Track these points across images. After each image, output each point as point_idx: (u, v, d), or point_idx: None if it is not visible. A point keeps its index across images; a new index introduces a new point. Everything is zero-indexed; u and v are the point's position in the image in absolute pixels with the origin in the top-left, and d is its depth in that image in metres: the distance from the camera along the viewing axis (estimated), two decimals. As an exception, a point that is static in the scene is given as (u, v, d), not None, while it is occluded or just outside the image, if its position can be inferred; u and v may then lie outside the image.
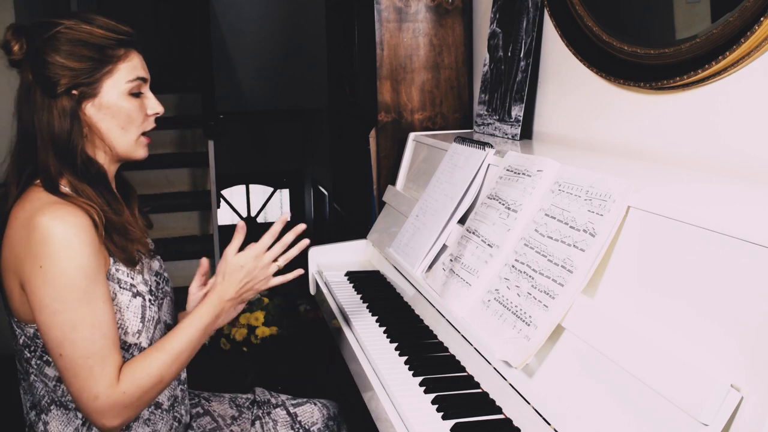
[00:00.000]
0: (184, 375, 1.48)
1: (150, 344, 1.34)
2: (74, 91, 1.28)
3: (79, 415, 1.31)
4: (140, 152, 1.37)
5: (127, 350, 1.32)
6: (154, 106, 1.36)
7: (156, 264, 1.44)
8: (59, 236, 1.18)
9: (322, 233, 5.66)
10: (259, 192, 6.29)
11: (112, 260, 1.30)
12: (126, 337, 1.31)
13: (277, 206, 6.40)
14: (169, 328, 1.43)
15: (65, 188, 1.28)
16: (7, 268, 1.25)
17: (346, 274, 2.04)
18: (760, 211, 1.01)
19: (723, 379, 0.83)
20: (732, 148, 1.31)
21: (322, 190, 5.56)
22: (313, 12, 5.13)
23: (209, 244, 4.24)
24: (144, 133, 1.37)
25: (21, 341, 1.30)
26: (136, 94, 1.34)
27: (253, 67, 5.76)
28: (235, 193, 6.21)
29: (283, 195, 6.36)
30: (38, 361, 1.30)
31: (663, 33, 1.46)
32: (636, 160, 1.52)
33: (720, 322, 0.88)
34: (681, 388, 0.87)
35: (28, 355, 1.30)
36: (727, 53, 1.24)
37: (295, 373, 3.18)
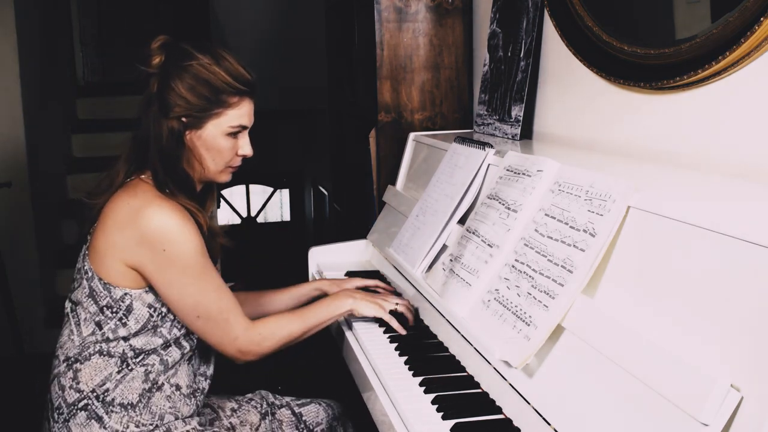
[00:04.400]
0: (211, 371, 1.60)
1: (187, 335, 1.51)
2: (183, 119, 1.46)
3: (118, 363, 1.43)
4: (223, 178, 1.56)
5: (179, 329, 1.48)
6: (245, 149, 1.54)
7: None
8: (173, 225, 1.39)
9: (322, 233, 5.66)
10: (259, 192, 6.29)
11: None
12: (179, 320, 1.48)
13: (277, 206, 6.40)
14: None
15: (168, 190, 1.46)
16: (111, 244, 1.41)
17: (346, 274, 2.04)
18: (760, 211, 1.01)
19: (723, 379, 0.83)
20: (732, 148, 1.31)
21: (322, 190, 5.56)
22: (312, 12, 5.13)
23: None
24: (236, 165, 1.57)
25: (104, 302, 1.43)
26: (234, 134, 1.50)
27: (253, 67, 5.75)
28: (235, 193, 6.20)
29: (283, 195, 6.35)
30: (117, 322, 1.43)
31: (663, 33, 1.46)
32: (636, 160, 1.52)
33: (720, 322, 0.88)
34: (681, 388, 0.87)
35: (110, 314, 1.43)
36: (727, 53, 1.24)
37: (295, 373, 3.18)
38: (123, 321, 1.43)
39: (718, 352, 0.86)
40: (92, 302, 1.44)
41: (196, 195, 1.52)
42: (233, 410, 1.65)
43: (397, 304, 1.61)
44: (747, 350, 0.83)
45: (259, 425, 1.64)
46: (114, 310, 1.43)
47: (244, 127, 1.51)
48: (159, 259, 1.39)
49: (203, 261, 1.43)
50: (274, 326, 1.51)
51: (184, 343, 1.50)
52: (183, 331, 1.49)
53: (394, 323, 1.57)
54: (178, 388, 1.49)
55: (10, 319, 3.30)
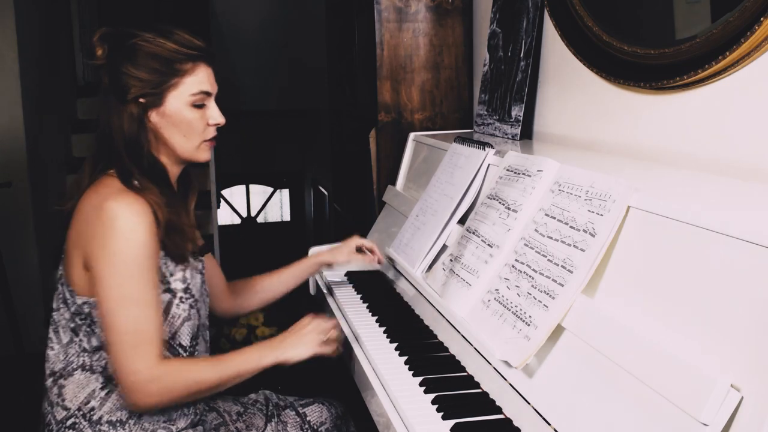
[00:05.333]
0: None
1: (172, 337, 1.41)
2: (141, 99, 1.38)
3: (100, 379, 1.38)
4: (202, 156, 1.46)
5: None
6: (215, 117, 1.44)
7: (199, 264, 1.50)
8: (124, 219, 1.29)
9: (322, 233, 5.66)
10: (259, 192, 6.29)
11: (162, 253, 1.38)
12: None
13: (277, 206, 6.40)
14: (203, 327, 1.50)
15: (136, 182, 1.38)
16: (74, 244, 1.36)
17: (346, 274, 2.04)
18: (759, 211, 1.01)
19: (723, 379, 0.83)
20: (733, 148, 1.31)
21: (322, 190, 5.56)
22: (313, 12, 5.13)
23: (209, 244, 4.24)
24: (211, 138, 1.46)
25: (72, 309, 1.38)
26: (200, 105, 1.41)
27: (253, 67, 5.75)
28: (235, 193, 6.20)
29: (283, 195, 6.36)
30: (87, 329, 1.37)
31: (663, 33, 1.46)
32: (636, 160, 1.52)
33: (720, 322, 0.88)
34: (681, 388, 0.87)
35: (79, 322, 1.37)
36: (727, 53, 1.24)
37: (295, 372, 3.17)
38: (92, 329, 1.37)
39: (719, 352, 0.86)
40: (66, 308, 1.39)
41: (169, 181, 1.44)
42: (239, 414, 1.62)
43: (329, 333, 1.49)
44: (747, 350, 0.83)
45: (265, 428, 1.62)
46: (82, 317, 1.37)
47: (206, 94, 1.42)
48: (99, 252, 1.30)
49: (142, 269, 1.30)
50: (184, 371, 1.33)
51: (167, 354, 1.40)
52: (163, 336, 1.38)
53: (329, 351, 1.47)
54: None
55: (10, 318, 3.30)
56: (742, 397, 0.82)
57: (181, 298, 1.42)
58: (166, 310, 1.40)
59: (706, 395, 0.83)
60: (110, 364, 1.33)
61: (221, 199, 6.01)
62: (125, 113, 1.38)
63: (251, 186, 6.25)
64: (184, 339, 1.43)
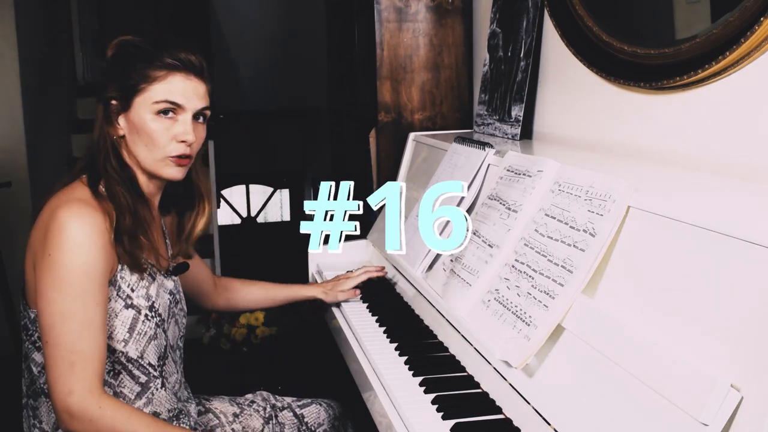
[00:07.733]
0: (181, 392, 1.49)
1: (141, 356, 1.36)
2: (113, 102, 1.35)
3: None
4: (167, 172, 1.35)
5: (112, 353, 1.33)
6: (179, 133, 1.33)
7: (171, 283, 1.45)
8: (73, 231, 1.23)
9: (322, 233, 5.65)
10: (259, 192, 6.28)
11: (119, 266, 1.33)
12: (111, 342, 1.33)
13: (277, 206, 6.40)
14: (170, 348, 1.44)
15: (102, 188, 1.34)
16: (29, 250, 1.31)
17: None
18: (760, 210, 1.01)
19: (723, 379, 0.83)
20: (732, 148, 1.31)
21: (322, 190, 5.55)
22: (313, 12, 5.13)
23: (209, 244, 4.24)
24: (177, 155, 1.34)
25: (22, 323, 1.36)
26: (167, 116, 1.33)
27: (253, 67, 5.75)
28: (235, 193, 6.19)
29: (283, 195, 6.35)
30: (30, 346, 1.34)
31: (663, 33, 1.46)
32: (636, 160, 1.52)
33: (720, 322, 0.88)
34: (681, 388, 0.87)
35: (24, 338, 1.35)
36: (728, 53, 1.24)
37: (295, 372, 3.18)
38: (37, 345, 1.32)
39: (719, 351, 0.86)
40: (21, 320, 1.37)
41: (137, 185, 1.37)
42: (235, 415, 1.60)
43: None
44: (747, 350, 0.83)
45: (263, 430, 1.62)
46: (29, 333, 1.33)
47: (175, 105, 1.32)
48: (43, 263, 1.23)
49: (85, 284, 1.23)
50: (123, 416, 1.23)
51: (137, 372, 1.35)
52: (125, 357, 1.33)
53: None
54: (156, 416, 1.37)
55: (10, 319, 3.30)
56: (742, 397, 0.82)
57: (146, 315, 1.36)
58: (132, 326, 1.34)
59: (706, 395, 0.83)
60: (47, 381, 1.24)
61: (221, 199, 6.01)
62: (100, 112, 1.37)
63: (251, 186, 6.24)
64: (152, 358, 1.37)
